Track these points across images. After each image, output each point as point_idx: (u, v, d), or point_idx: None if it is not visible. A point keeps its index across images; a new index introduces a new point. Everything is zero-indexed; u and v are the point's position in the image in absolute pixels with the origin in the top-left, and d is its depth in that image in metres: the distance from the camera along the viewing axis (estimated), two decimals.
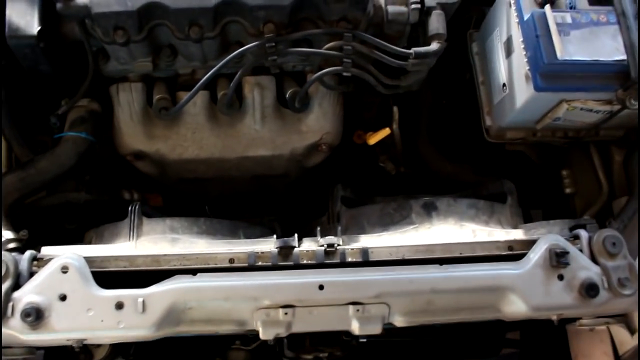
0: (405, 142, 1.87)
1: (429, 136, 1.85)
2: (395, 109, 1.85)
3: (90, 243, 1.54)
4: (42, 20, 1.44)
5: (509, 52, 1.59)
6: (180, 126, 1.60)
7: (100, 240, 1.51)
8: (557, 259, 1.38)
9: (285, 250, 1.39)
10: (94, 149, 1.60)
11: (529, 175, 1.91)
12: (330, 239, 1.40)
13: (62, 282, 1.31)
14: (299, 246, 1.41)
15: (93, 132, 1.59)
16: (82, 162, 1.57)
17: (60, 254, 1.35)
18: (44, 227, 1.70)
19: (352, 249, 1.40)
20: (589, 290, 1.37)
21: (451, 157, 1.87)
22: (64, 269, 1.31)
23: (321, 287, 1.33)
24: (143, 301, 1.29)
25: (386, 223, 1.51)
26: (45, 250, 1.40)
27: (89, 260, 1.36)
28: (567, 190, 1.82)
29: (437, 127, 1.89)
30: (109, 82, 1.61)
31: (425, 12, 1.52)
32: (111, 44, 1.45)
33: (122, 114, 1.59)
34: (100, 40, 1.46)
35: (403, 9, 1.52)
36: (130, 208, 1.47)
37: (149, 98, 1.60)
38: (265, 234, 1.62)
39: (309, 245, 1.42)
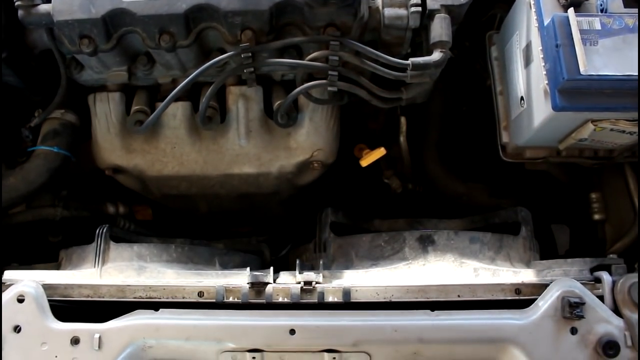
0: (413, 156, 1.68)
1: (439, 151, 1.65)
2: (402, 119, 1.66)
3: (60, 264, 1.45)
4: (4, 29, 1.33)
5: (527, 61, 1.36)
6: (160, 140, 1.48)
7: (68, 263, 1.42)
8: (571, 310, 1.18)
9: (258, 286, 1.25)
10: (68, 163, 1.50)
11: (552, 198, 1.68)
12: (309, 275, 1.25)
13: (16, 313, 1.22)
14: (274, 280, 1.28)
15: (68, 146, 1.49)
16: (54, 178, 1.47)
17: (21, 279, 1.28)
18: (26, 240, 1.64)
19: (332, 288, 1.25)
20: (608, 348, 1.16)
21: (465, 176, 1.66)
22: (20, 298, 1.24)
23: (292, 332, 1.19)
24: (100, 337, 1.20)
25: (376, 257, 1.34)
26: (8, 275, 1.31)
27: (52, 287, 1.27)
28: (596, 217, 1.57)
29: (449, 140, 1.69)
30: (88, 91, 1.50)
31: (427, 16, 1.32)
32: (79, 54, 1.34)
33: (99, 125, 1.48)
34: (68, 49, 1.35)
35: (402, 12, 1.32)
36: (97, 231, 1.36)
37: (129, 108, 1.48)
38: (246, 260, 1.48)
39: (285, 280, 1.28)
